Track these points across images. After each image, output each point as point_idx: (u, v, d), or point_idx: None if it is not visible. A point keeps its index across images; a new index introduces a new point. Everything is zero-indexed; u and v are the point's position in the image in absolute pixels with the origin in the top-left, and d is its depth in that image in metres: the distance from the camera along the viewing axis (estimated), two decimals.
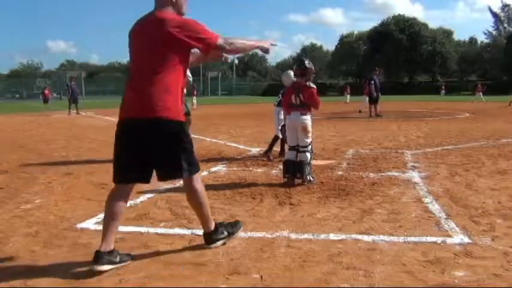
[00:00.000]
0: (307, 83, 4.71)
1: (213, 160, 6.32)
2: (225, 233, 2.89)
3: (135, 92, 2.59)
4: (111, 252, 2.51)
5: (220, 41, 2.61)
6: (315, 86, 4.74)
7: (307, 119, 4.66)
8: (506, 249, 2.70)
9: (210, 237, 2.84)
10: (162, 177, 2.68)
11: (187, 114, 6.07)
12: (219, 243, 2.84)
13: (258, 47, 2.88)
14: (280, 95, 6.32)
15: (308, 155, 4.62)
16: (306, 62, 4.79)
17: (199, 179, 2.75)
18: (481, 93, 27.41)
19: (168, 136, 2.54)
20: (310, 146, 4.72)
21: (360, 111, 16.98)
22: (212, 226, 2.85)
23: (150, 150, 2.54)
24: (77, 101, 20.78)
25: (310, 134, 4.69)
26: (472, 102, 26.17)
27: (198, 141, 8.71)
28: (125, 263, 2.57)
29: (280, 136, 6.20)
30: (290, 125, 4.76)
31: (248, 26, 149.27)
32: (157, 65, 2.53)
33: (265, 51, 2.91)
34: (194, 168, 2.66)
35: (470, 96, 30.10)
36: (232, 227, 2.96)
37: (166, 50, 2.53)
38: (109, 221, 2.56)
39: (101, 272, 2.45)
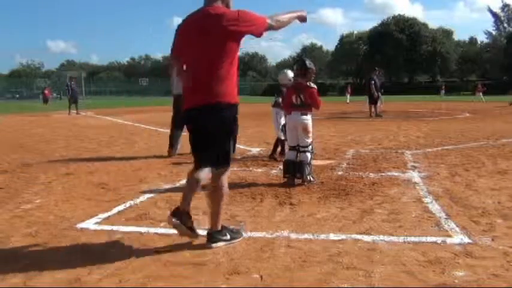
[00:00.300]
0: (308, 83, 4.71)
1: None
2: (228, 236, 2.93)
3: (193, 83, 2.81)
4: (187, 213, 2.86)
5: (268, 22, 2.82)
6: (315, 86, 4.74)
7: (308, 119, 4.66)
8: (506, 249, 2.70)
9: (214, 236, 2.89)
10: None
11: None
12: (221, 243, 2.87)
13: (296, 17, 3.04)
14: (276, 95, 6.35)
15: (308, 155, 4.62)
16: (307, 62, 4.79)
17: (226, 177, 2.91)
18: (481, 94, 27.40)
19: (226, 119, 2.78)
20: (310, 146, 4.71)
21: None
22: (219, 226, 2.92)
23: (210, 134, 2.78)
24: (77, 101, 20.79)
25: (310, 134, 4.69)
26: (472, 102, 26.19)
27: None
28: (188, 225, 2.83)
29: (282, 137, 6.18)
30: (290, 125, 4.76)
31: None
32: (214, 55, 2.73)
33: (303, 19, 3.09)
34: (230, 162, 2.88)
35: (470, 96, 30.10)
36: (235, 233, 3.00)
37: (224, 42, 2.72)
38: (188, 192, 2.91)
39: (171, 223, 2.80)
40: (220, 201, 2.88)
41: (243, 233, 3.06)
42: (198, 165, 2.87)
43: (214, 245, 2.85)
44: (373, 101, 15.17)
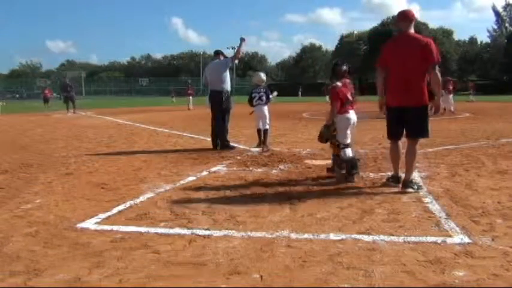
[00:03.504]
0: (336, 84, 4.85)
1: (213, 160, 6.32)
2: (416, 187, 4.17)
3: (399, 87, 4.13)
4: (399, 176, 4.35)
5: (436, 62, 4.02)
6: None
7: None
8: (506, 249, 2.70)
9: (407, 184, 4.14)
10: (410, 135, 4.23)
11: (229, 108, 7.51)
12: (411, 190, 4.10)
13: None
14: (258, 95, 7.24)
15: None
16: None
17: (418, 145, 4.28)
18: (471, 92, 27.41)
19: (421, 113, 4.10)
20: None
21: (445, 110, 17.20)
22: (411, 178, 4.20)
23: (407, 121, 4.14)
24: (74, 99, 20.85)
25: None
26: (473, 101, 26.19)
27: (198, 141, 8.72)
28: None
29: (268, 127, 7.25)
30: (352, 123, 4.83)
31: (247, 27, 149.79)
32: (415, 68, 4.02)
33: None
34: (427, 134, 4.18)
35: (470, 96, 30.06)
36: (419, 186, 4.24)
37: (419, 59, 4.00)
38: (395, 160, 4.39)
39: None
40: (414, 159, 4.21)
41: (424, 188, 4.27)
42: (392, 138, 4.36)
43: (407, 189, 4.09)
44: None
